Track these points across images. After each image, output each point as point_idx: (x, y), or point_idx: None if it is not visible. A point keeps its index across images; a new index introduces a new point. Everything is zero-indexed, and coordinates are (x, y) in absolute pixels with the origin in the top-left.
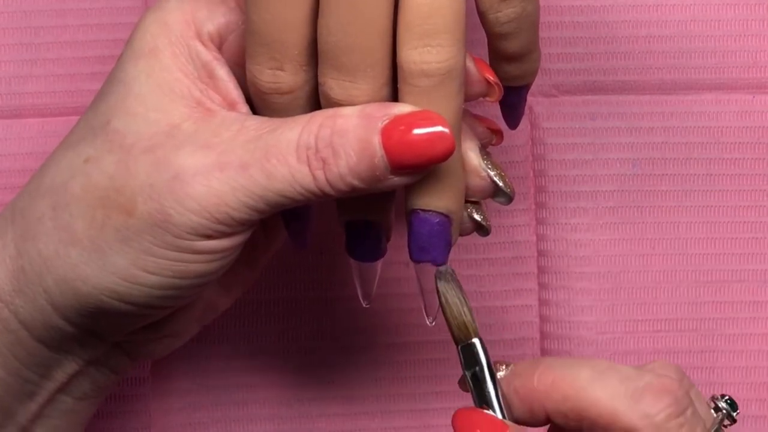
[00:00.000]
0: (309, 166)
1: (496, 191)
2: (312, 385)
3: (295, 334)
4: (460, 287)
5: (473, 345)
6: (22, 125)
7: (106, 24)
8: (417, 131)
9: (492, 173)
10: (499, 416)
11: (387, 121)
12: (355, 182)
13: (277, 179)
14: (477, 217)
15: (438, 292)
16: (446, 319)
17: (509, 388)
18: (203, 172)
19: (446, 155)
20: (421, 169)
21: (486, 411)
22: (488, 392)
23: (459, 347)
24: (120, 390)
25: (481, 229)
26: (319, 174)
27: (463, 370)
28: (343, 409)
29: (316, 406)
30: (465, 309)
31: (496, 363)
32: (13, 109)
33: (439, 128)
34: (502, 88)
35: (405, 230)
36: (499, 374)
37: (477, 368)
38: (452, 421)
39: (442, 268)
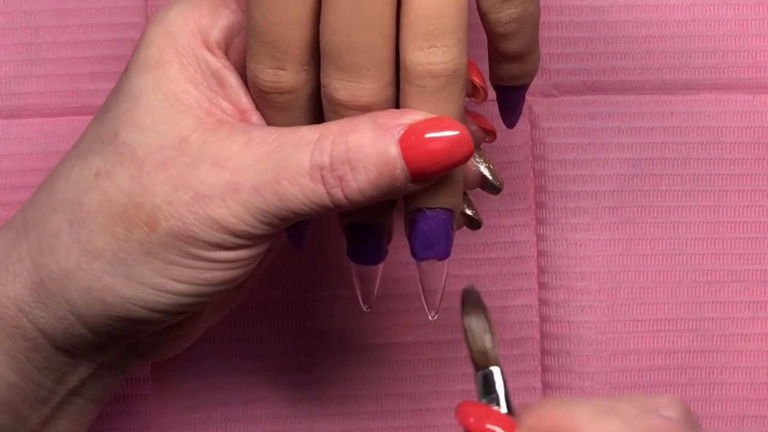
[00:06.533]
0: (324, 185)
1: (483, 182)
2: (312, 385)
3: (295, 333)
4: (486, 310)
5: (491, 373)
6: (22, 125)
7: (106, 24)
8: (435, 138)
9: (481, 165)
10: None
11: (402, 131)
12: (375, 194)
13: (289, 200)
14: (468, 212)
15: (462, 316)
16: (467, 344)
17: None
18: (219, 194)
19: (467, 158)
20: (441, 174)
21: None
22: None
23: (478, 373)
24: (120, 390)
25: (473, 223)
26: (336, 191)
27: (479, 396)
28: (343, 409)
29: (316, 406)
30: (488, 336)
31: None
32: (13, 109)
33: (457, 133)
34: (487, 92)
35: (404, 230)
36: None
37: (493, 396)
38: (459, 413)
39: (468, 290)
